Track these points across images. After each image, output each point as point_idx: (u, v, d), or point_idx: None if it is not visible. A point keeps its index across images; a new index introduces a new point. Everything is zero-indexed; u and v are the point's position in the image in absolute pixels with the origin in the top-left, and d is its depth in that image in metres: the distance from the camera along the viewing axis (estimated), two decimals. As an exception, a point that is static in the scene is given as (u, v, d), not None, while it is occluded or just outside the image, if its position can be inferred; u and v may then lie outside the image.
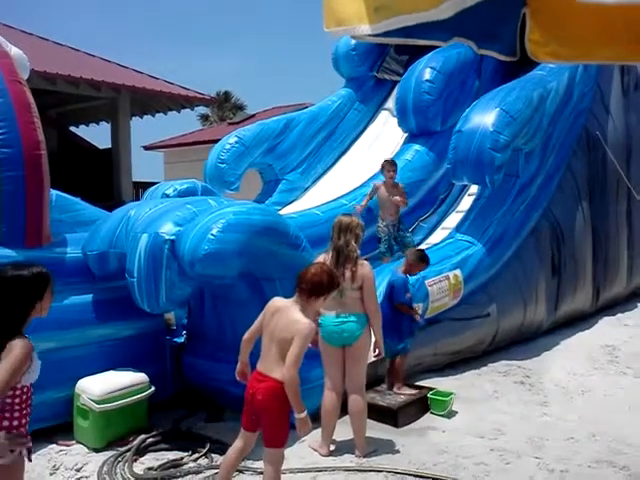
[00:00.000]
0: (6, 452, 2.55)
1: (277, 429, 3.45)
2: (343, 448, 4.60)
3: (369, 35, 2.04)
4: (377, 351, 4.61)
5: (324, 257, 4.49)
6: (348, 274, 4.37)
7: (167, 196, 6.29)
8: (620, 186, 8.93)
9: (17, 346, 2.54)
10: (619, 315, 8.63)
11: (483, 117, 6.95)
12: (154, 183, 8.33)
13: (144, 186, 14.83)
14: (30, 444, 2.69)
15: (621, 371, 6.45)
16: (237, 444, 3.67)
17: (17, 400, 2.62)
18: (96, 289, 5.17)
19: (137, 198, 14.78)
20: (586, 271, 8.21)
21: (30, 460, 2.73)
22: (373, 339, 4.58)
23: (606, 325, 8.19)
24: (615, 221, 8.91)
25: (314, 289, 3.44)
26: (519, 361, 6.63)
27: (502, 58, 2.40)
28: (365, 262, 4.53)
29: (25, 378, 2.62)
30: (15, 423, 2.62)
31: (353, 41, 10.45)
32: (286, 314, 3.41)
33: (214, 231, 4.40)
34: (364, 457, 4.45)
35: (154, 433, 4.72)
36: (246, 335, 3.63)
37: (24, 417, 2.67)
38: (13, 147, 4.87)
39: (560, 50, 2.47)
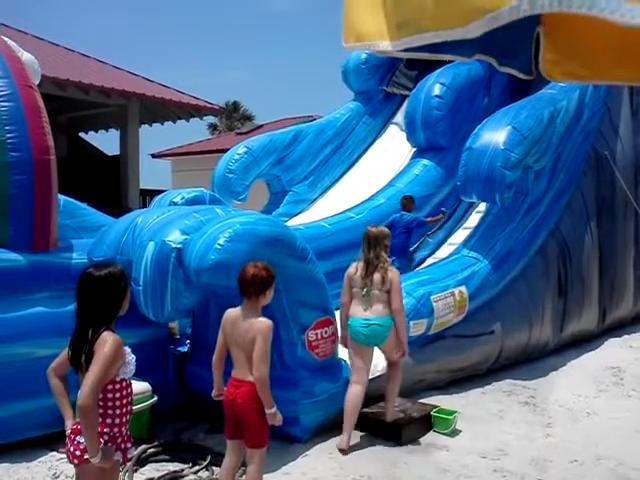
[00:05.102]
0: (112, 458, 2.66)
1: (258, 429, 3.54)
2: (346, 464, 4.55)
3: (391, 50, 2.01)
4: (400, 352, 4.92)
5: (356, 265, 4.93)
6: (377, 277, 4.78)
7: (175, 204, 6.28)
8: (628, 207, 8.88)
9: (106, 342, 2.62)
10: (625, 337, 8.56)
11: (494, 135, 6.94)
12: (161, 191, 8.31)
13: (151, 194, 14.83)
14: (129, 445, 2.81)
15: (626, 394, 6.38)
16: (227, 462, 3.71)
17: (117, 395, 2.71)
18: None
19: (144, 205, 14.78)
20: (592, 291, 8.15)
21: (125, 462, 2.87)
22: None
23: (612, 346, 8.12)
24: (623, 242, 8.86)
25: (258, 287, 3.53)
26: (524, 381, 6.56)
27: (521, 76, 2.37)
28: (395, 269, 4.96)
29: (122, 371, 2.72)
30: (116, 421, 2.71)
31: (364, 54, 10.48)
32: (243, 319, 3.53)
33: (221, 241, 4.38)
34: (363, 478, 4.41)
35: (155, 443, 4.68)
36: (215, 356, 3.72)
37: (124, 415, 2.76)
38: (22, 151, 4.88)
39: (575, 69, 2.44)
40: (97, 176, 15.85)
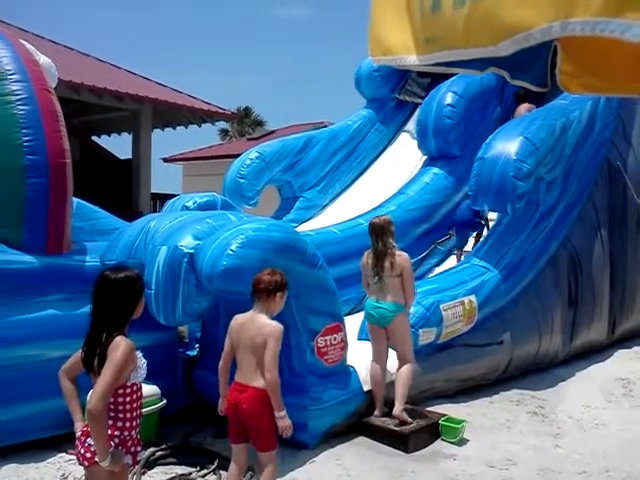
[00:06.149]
0: (122, 461, 2.69)
1: (267, 433, 3.56)
2: (353, 470, 4.56)
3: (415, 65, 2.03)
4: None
5: (367, 254, 5.26)
6: (387, 264, 5.07)
7: (187, 208, 6.32)
8: (640, 218, 8.85)
9: (119, 347, 2.64)
10: (635, 348, 8.51)
11: (506, 145, 6.93)
12: (172, 195, 8.33)
13: (162, 198, 14.89)
14: (139, 448, 2.83)
15: (636, 405, 6.34)
16: (233, 467, 3.73)
17: (128, 399, 2.73)
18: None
19: (154, 209, 14.84)
20: (603, 303, 8.11)
21: (134, 465, 2.90)
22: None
23: (621, 358, 8.07)
24: (634, 253, 8.81)
25: (272, 287, 3.60)
26: (533, 391, 6.54)
27: (533, 89, 2.40)
28: (403, 253, 5.17)
29: (133, 376, 2.74)
30: (127, 424, 2.74)
31: (376, 62, 10.48)
32: (253, 323, 3.55)
33: (233, 247, 4.41)
34: None
35: (163, 447, 4.70)
36: (221, 363, 3.74)
37: (135, 419, 2.78)
38: (39, 154, 4.93)
39: (592, 82, 2.46)
40: (109, 180, 15.92)
